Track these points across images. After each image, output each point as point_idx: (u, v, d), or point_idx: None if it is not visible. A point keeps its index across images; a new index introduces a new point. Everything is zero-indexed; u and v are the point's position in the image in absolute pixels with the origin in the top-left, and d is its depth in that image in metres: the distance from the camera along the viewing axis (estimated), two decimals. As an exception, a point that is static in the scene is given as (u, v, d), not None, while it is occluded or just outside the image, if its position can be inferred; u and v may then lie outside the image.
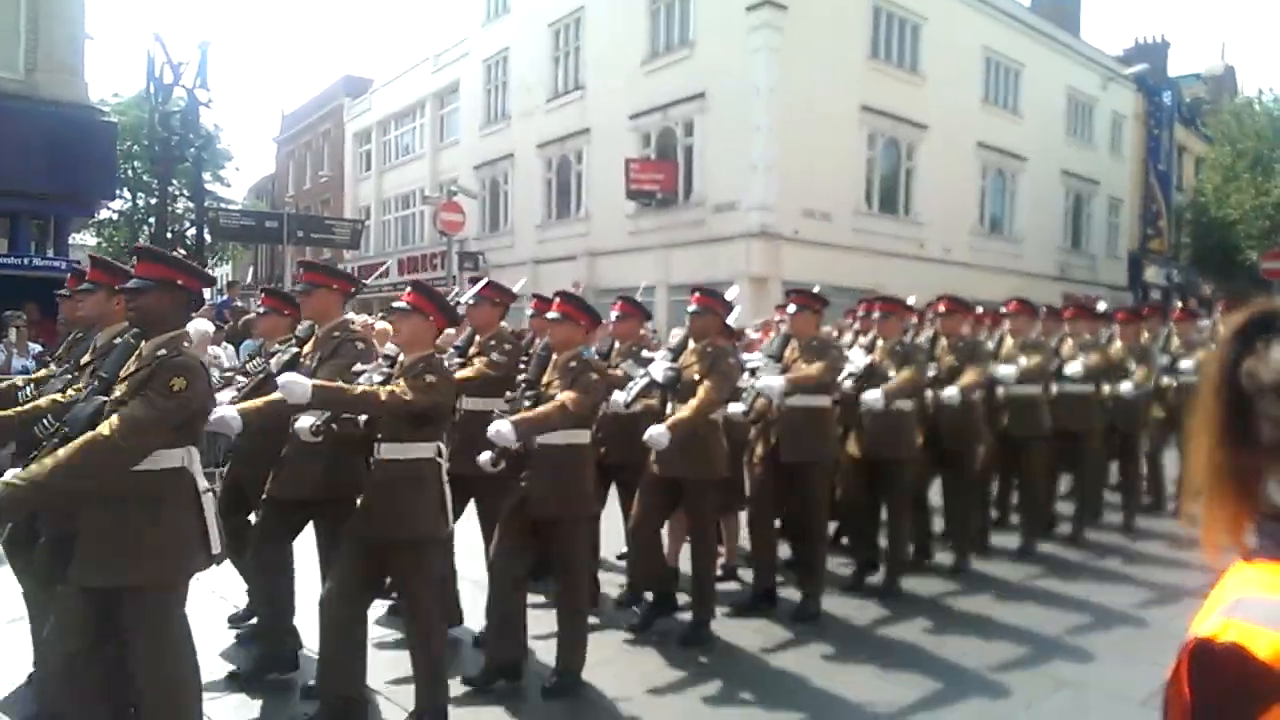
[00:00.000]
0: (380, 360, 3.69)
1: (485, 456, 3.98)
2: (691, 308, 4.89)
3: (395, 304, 3.65)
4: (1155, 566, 6.29)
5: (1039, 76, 22.95)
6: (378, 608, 4.44)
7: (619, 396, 4.59)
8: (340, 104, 32.41)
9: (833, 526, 6.40)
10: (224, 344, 9.45)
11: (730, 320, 5.33)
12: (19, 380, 3.87)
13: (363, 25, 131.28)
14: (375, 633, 4.43)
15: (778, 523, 5.57)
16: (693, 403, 4.52)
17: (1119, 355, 7.31)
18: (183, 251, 22.68)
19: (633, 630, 4.80)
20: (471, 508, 4.73)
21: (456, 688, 3.88)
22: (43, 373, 4.01)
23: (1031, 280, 21.46)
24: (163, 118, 18.79)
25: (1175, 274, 29.59)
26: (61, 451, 2.59)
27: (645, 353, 5.31)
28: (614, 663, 4.45)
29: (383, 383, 3.50)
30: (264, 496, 4.01)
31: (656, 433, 4.31)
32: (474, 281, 5.15)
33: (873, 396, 5.32)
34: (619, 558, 5.90)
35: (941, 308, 6.21)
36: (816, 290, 5.45)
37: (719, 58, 17.25)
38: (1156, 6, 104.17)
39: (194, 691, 2.94)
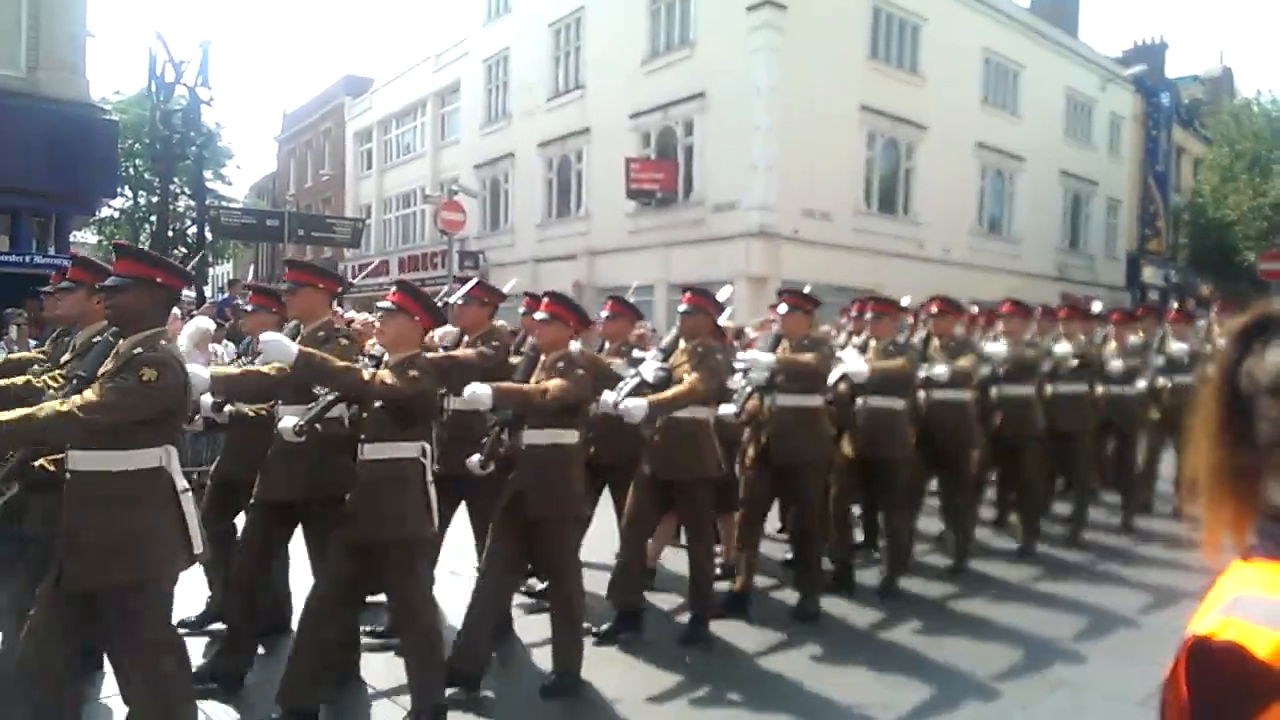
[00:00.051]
0: (366, 360, 3.69)
1: (474, 459, 3.99)
2: (682, 307, 4.89)
3: (379, 304, 3.65)
4: (1153, 568, 6.28)
5: (1038, 77, 22.94)
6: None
7: (609, 397, 4.58)
8: (341, 103, 32.41)
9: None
10: (225, 341, 9.46)
11: (724, 320, 5.34)
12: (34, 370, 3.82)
13: (364, 24, 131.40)
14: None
15: (778, 524, 5.54)
16: (677, 387, 4.52)
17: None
18: (184, 250, 22.82)
19: (597, 636, 4.68)
20: (462, 509, 4.74)
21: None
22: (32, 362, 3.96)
23: (1030, 280, 21.45)
24: (164, 116, 18.85)
25: (1173, 274, 29.59)
26: (26, 409, 2.62)
27: (636, 353, 5.32)
28: (614, 663, 4.45)
29: None
30: (251, 500, 3.99)
31: (632, 403, 4.23)
32: (462, 281, 5.13)
33: (855, 367, 5.33)
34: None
35: (934, 309, 6.20)
36: (808, 290, 5.45)
37: (719, 57, 17.25)
38: (1155, 8, 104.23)
39: (184, 691, 2.93)
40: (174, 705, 2.88)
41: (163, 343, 2.86)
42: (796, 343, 5.20)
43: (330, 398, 3.45)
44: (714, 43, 17.52)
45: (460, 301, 4.85)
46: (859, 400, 5.71)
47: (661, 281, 17.13)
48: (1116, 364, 7.23)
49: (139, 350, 2.78)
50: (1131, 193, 27.92)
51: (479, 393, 3.66)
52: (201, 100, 18.90)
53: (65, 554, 2.75)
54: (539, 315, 4.20)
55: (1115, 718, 3.96)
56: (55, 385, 3.29)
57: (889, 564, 5.76)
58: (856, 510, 6.36)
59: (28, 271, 11.10)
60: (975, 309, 8.15)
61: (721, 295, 5.21)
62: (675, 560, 5.89)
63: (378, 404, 3.49)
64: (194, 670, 3.87)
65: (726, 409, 5.07)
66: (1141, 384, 7.55)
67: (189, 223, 24.13)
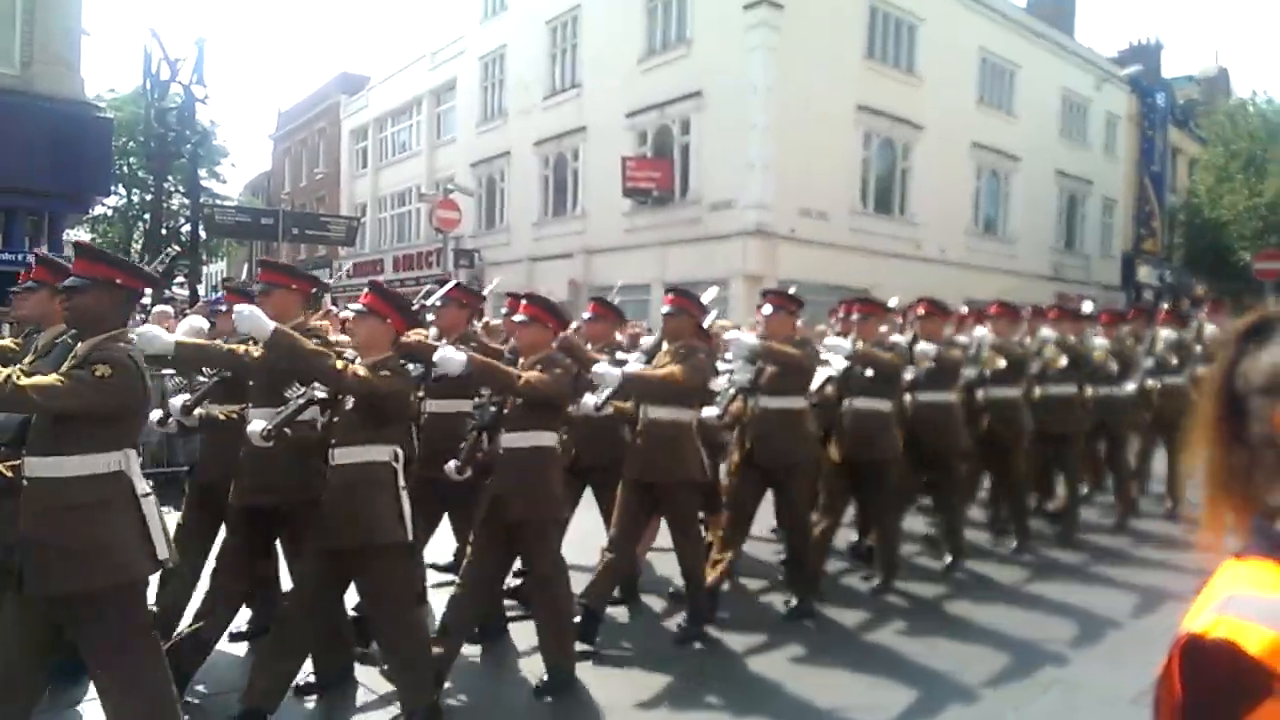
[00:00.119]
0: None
1: (452, 464, 3.97)
2: (665, 309, 4.85)
3: (351, 306, 3.61)
4: (1146, 568, 6.28)
5: (1034, 77, 22.92)
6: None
7: (590, 399, 4.55)
8: (336, 101, 32.35)
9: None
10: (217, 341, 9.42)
11: (708, 322, 5.30)
12: None
13: (359, 22, 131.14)
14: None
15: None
16: (658, 370, 4.47)
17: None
18: (177, 248, 22.75)
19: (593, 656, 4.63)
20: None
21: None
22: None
23: (1026, 280, 21.45)
24: (159, 114, 18.77)
25: (1168, 274, 29.62)
26: None
27: (620, 355, 5.29)
28: (601, 664, 4.43)
29: (327, 396, 3.46)
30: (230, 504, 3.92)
31: (606, 369, 4.19)
32: (441, 283, 5.09)
33: (836, 344, 5.27)
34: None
35: (920, 310, 6.18)
36: (793, 291, 5.42)
37: (716, 56, 17.22)
38: (1150, 8, 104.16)
39: (163, 694, 2.88)
40: (154, 708, 2.85)
41: (122, 344, 2.81)
42: (781, 342, 5.17)
43: (300, 401, 3.40)
44: (711, 41, 17.48)
45: (439, 303, 4.81)
46: (845, 402, 5.68)
47: (658, 280, 17.06)
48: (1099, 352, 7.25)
49: (98, 353, 2.74)
50: (1127, 193, 27.92)
51: (451, 356, 3.62)
52: (196, 98, 18.79)
53: (24, 560, 2.71)
54: (518, 317, 4.16)
55: (1108, 717, 3.95)
56: None
57: (883, 565, 5.75)
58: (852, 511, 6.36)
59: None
60: (965, 309, 8.12)
61: (706, 297, 5.18)
62: (661, 563, 5.87)
63: (349, 404, 3.45)
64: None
65: (709, 411, 5.04)
66: (1131, 386, 7.52)
67: (183, 221, 24.01)
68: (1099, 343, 7.36)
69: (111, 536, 2.74)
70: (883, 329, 6.08)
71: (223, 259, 34.39)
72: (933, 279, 16.56)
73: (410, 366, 3.89)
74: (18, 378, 2.57)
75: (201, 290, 19.40)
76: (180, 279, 19.57)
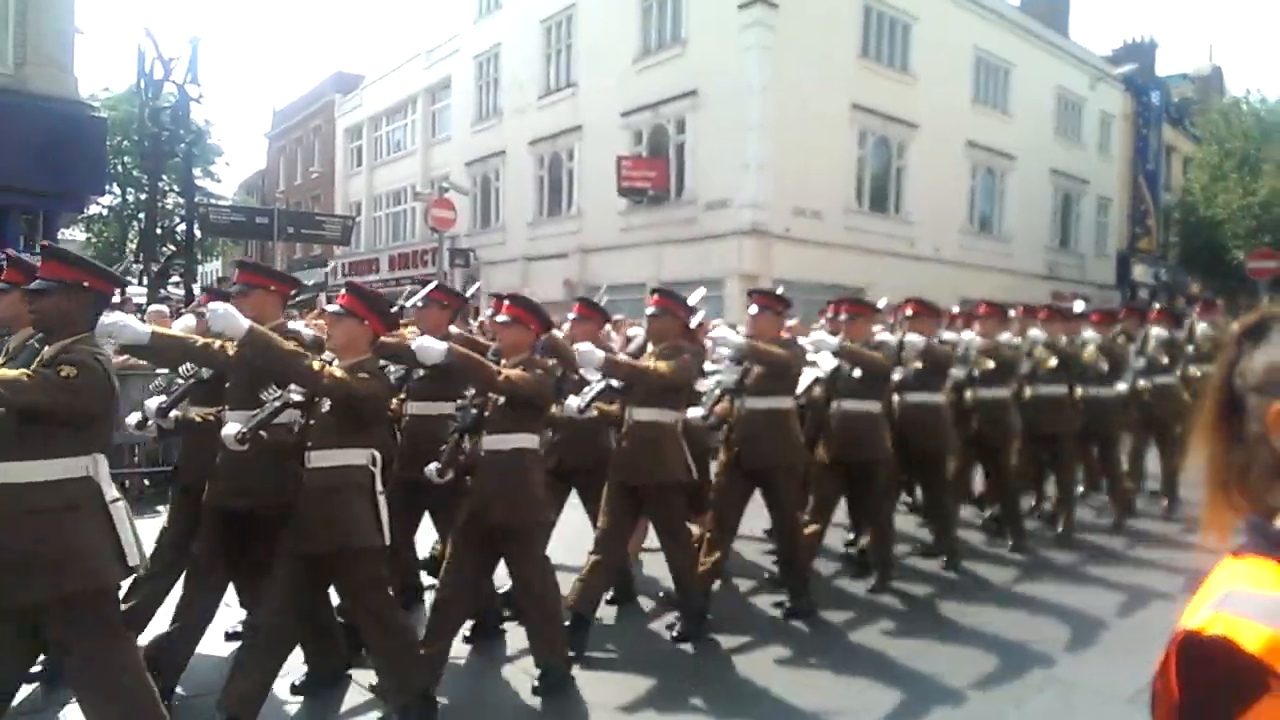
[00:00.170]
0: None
1: (432, 467, 3.95)
2: (649, 310, 4.83)
3: (328, 307, 3.58)
4: (1141, 567, 6.27)
5: (1028, 76, 22.92)
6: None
7: (574, 401, 4.53)
8: (331, 100, 32.31)
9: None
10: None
11: (695, 322, 5.28)
12: None
13: (354, 21, 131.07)
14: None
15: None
16: (641, 362, 4.44)
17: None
18: (172, 247, 22.72)
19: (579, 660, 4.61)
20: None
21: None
22: None
23: (1020, 279, 21.47)
24: (153, 113, 18.73)
25: (1163, 273, 29.65)
26: None
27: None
28: (590, 667, 4.41)
29: (303, 399, 3.44)
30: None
31: (586, 349, 4.16)
32: (422, 284, 5.06)
33: (822, 339, 5.25)
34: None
35: (909, 311, 6.16)
36: (780, 291, 5.39)
37: (711, 55, 17.21)
38: (1145, 7, 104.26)
39: (144, 698, 2.87)
40: (132, 712, 2.83)
41: (88, 347, 2.79)
42: (768, 342, 5.15)
43: (276, 404, 3.37)
44: (706, 41, 17.47)
45: (420, 304, 4.77)
46: (834, 404, 5.67)
47: (653, 280, 16.99)
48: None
49: (64, 355, 2.72)
50: (1121, 191, 27.93)
51: (430, 345, 3.59)
52: (191, 97, 18.78)
53: None
54: (500, 318, 4.13)
55: (1105, 715, 3.95)
56: None
57: (878, 565, 5.74)
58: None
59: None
60: (956, 309, 8.11)
61: (693, 299, 5.15)
62: (650, 565, 5.86)
63: (326, 407, 3.43)
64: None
65: (694, 412, 5.02)
66: (1122, 385, 7.53)
67: (178, 220, 24.00)
68: (1089, 335, 7.33)
69: (81, 542, 2.71)
70: (876, 329, 6.08)
71: (218, 258, 34.30)
72: (928, 278, 16.59)
73: (390, 369, 3.87)
74: None
75: (197, 290, 19.34)
76: (175, 278, 19.56)
